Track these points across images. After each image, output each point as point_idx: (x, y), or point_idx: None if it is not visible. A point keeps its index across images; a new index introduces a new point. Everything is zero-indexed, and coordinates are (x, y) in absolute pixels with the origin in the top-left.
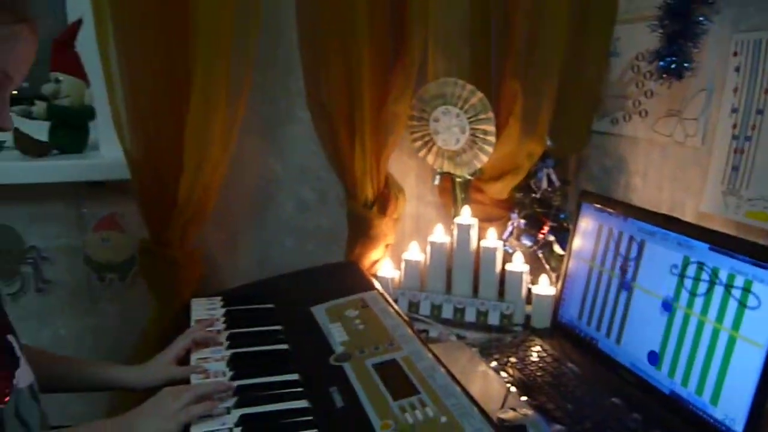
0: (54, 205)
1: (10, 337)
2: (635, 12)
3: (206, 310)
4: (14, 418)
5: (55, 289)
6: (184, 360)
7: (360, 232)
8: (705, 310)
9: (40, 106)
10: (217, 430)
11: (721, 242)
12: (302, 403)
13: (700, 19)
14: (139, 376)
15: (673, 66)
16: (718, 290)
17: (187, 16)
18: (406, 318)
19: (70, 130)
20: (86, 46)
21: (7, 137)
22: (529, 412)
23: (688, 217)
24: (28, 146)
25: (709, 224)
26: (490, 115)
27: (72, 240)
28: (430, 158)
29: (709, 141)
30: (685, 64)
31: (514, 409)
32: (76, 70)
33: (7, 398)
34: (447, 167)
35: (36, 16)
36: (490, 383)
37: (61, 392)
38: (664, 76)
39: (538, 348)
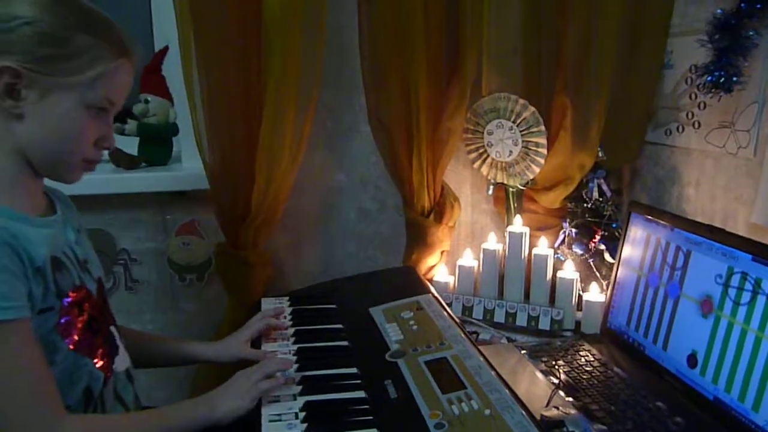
0: (142, 212)
1: (112, 328)
2: (688, 26)
3: (274, 309)
4: (113, 397)
5: (143, 288)
6: (255, 345)
7: (417, 239)
8: (748, 318)
9: (131, 124)
10: (285, 413)
11: (763, 253)
12: (360, 394)
13: (750, 33)
14: (217, 352)
15: (721, 80)
16: (761, 300)
17: (260, 43)
18: (457, 320)
19: (157, 145)
20: (171, 70)
21: (103, 152)
22: (572, 411)
23: (740, 227)
24: (120, 160)
25: (761, 235)
26: (542, 128)
27: (157, 244)
28: (484, 169)
29: (760, 152)
30: (734, 78)
31: (557, 408)
32: (163, 92)
33: (108, 380)
34: (500, 178)
35: (135, 52)
36: (537, 383)
37: (152, 367)
38: (714, 89)
39: (586, 352)
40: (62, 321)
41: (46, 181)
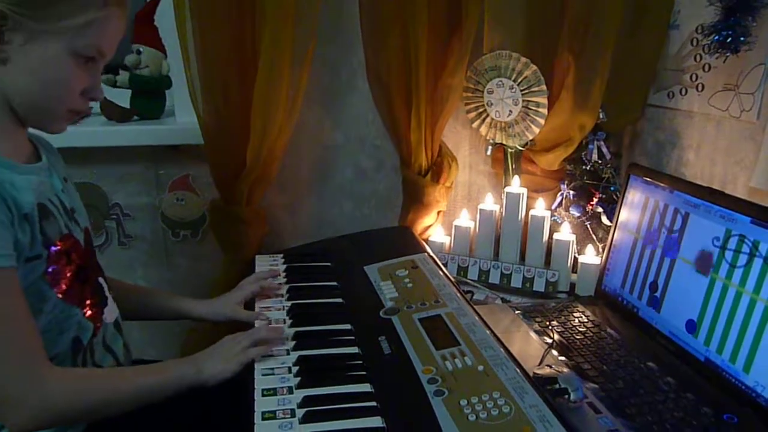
0: (135, 166)
1: (100, 279)
2: None
3: (269, 266)
4: (102, 347)
5: (135, 243)
6: (248, 305)
7: (414, 199)
8: (743, 281)
9: (123, 76)
10: (278, 368)
11: (762, 216)
12: (353, 349)
13: None
14: (208, 310)
15: (728, 40)
16: (758, 262)
17: None
18: (452, 279)
19: (149, 97)
20: (164, 20)
21: (94, 104)
22: (565, 369)
23: (740, 191)
24: (112, 112)
25: (760, 199)
26: (543, 87)
27: (150, 198)
28: (483, 129)
29: (764, 116)
30: (742, 38)
31: (550, 366)
32: (156, 43)
33: (97, 331)
34: (499, 138)
35: (126, 2)
36: (530, 343)
37: (142, 319)
38: (720, 50)
39: (580, 314)
40: (50, 270)
41: (30, 129)
